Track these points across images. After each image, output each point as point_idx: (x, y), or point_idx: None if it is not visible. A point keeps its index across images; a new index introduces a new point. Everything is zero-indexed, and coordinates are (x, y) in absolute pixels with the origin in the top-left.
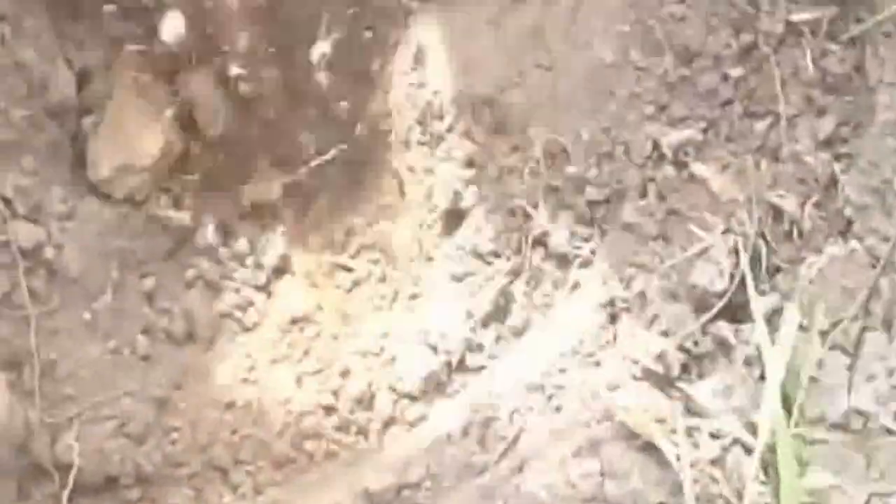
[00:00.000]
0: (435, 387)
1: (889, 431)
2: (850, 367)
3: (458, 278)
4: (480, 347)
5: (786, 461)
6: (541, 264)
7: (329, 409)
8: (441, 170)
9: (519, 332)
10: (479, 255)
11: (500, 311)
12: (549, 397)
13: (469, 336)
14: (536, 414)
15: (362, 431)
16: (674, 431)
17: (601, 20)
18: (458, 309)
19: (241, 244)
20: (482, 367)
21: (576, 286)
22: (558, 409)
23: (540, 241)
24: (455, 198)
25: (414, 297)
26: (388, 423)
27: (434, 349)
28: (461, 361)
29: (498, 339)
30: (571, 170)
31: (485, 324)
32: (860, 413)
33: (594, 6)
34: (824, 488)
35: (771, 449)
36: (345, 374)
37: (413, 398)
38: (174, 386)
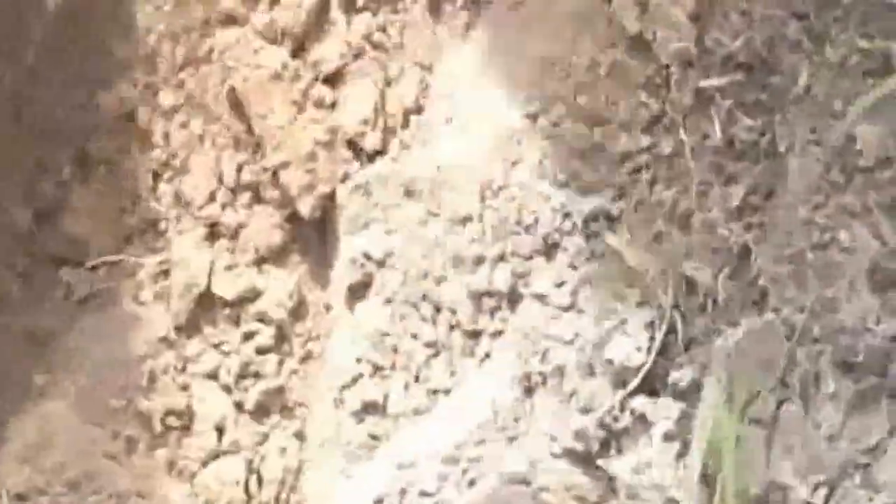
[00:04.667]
0: None
1: None
2: (768, 441)
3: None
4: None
5: None
6: (449, 334)
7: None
8: (346, 242)
9: (430, 404)
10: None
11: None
12: (465, 471)
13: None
14: (452, 486)
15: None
16: None
17: (505, 87)
18: None
19: None
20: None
21: (487, 356)
22: (472, 483)
23: (450, 311)
24: (361, 269)
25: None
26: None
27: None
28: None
29: (408, 409)
30: (475, 243)
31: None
32: (779, 486)
33: (501, 71)
34: None
35: None
36: None
37: None
38: None
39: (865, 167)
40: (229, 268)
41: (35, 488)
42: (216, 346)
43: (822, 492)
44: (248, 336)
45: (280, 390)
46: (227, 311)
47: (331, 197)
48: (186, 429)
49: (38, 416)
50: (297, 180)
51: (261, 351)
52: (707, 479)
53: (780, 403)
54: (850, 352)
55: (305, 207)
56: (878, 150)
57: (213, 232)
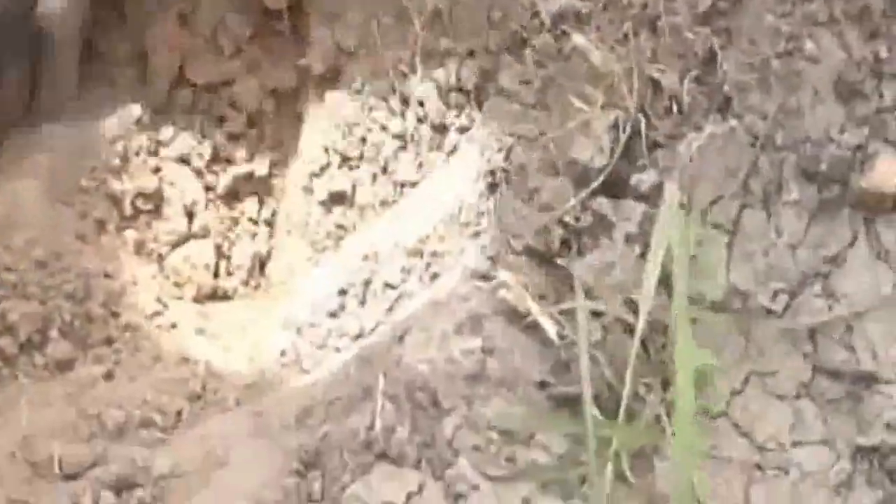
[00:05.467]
0: None
1: (767, 311)
2: (730, 246)
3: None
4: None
5: (685, 343)
6: (417, 128)
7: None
8: (318, 32)
9: (396, 196)
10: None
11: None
12: (428, 265)
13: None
14: (415, 279)
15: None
16: (557, 307)
17: None
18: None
19: None
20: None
21: (454, 151)
22: (434, 276)
23: (419, 104)
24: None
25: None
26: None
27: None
28: None
29: (375, 200)
30: (445, 38)
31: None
32: (739, 292)
33: None
34: (705, 368)
35: (651, 328)
36: None
37: None
38: None
39: None
40: (204, 54)
41: (2, 266)
42: (189, 130)
43: (782, 299)
44: (221, 121)
45: (250, 176)
46: (200, 96)
47: None
48: (156, 211)
49: (8, 194)
50: None
51: (233, 137)
52: (666, 282)
53: (741, 209)
54: (814, 160)
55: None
56: None
57: (186, 19)
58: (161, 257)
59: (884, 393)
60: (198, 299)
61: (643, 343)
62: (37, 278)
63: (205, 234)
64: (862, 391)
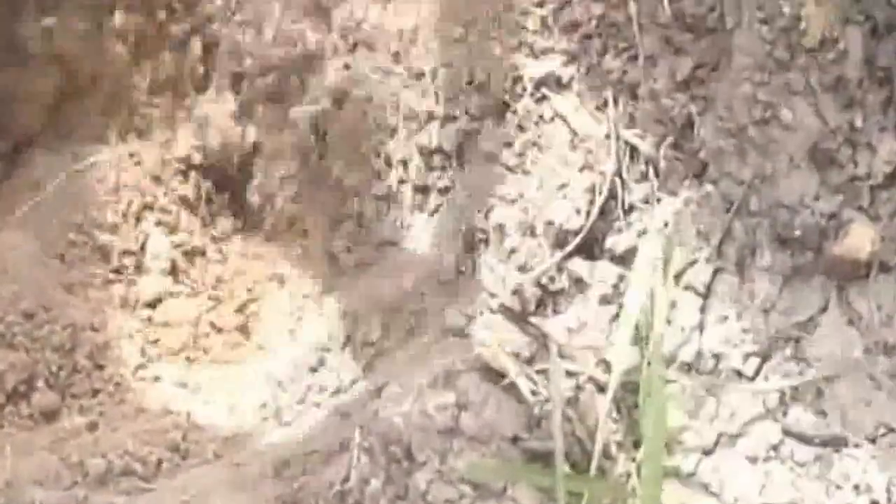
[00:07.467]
0: None
1: (738, 373)
2: (703, 309)
3: None
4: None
5: (655, 402)
6: (400, 187)
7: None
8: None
9: (377, 256)
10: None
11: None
12: (408, 321)
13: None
14: (394, 337)
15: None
16: (531, 365)
17: None
18: None
19: None
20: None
21: (435, 211)
22: (413, 333)
23: (401, 165)
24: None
25: None
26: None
27: None
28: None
29: (358, 262)
30: (428, 100)
31: None
32: (711, 355)
33: None
34: (676, 428)
35: (623, 388)
36: None
37: None
38: None
39: (810, 47)
40: None
41: None
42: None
43: (754, 362)
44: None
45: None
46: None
47: None
48: (141, 267)
49: None
50: None
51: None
52: (639, 342)
53: (715, 273)
54: (787, 227)
55: None
56: (822, 31)
57: None
58: (146, 312)
59: (853, 456)
60: (181, 354)
61: (615, 402)
62: (24, 329)
63: (190, 291)
64: (831, 454)
